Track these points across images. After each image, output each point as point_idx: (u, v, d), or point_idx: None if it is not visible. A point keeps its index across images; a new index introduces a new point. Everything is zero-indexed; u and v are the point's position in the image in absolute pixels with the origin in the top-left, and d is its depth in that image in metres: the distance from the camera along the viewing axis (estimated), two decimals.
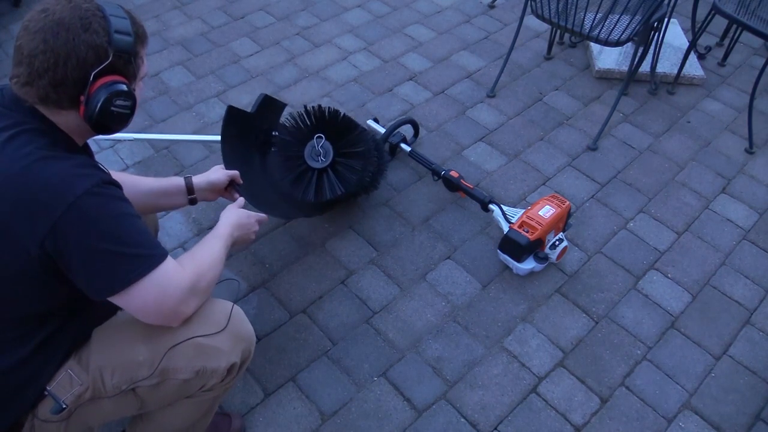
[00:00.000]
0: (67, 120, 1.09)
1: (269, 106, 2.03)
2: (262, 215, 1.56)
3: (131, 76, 1.12)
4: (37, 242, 1.00)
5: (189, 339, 1.18)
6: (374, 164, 2.07)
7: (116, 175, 1.42)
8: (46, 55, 1.01)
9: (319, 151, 1.77)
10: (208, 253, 1.27)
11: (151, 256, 1.09)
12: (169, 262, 1.12)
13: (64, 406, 1.14)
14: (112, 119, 1.08)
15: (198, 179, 1.62)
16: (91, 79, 1.04)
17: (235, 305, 1.28)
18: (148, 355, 1.17)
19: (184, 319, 1.18)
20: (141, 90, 1.19)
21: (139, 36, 1.12)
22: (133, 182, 1.48)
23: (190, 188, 1.61)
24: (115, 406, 1.22)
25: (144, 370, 1.17)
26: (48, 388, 1.15)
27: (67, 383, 1.15)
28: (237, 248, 1.51)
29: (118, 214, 1.07)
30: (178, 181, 1.59)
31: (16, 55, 1.03)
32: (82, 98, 1.05)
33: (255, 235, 1.51)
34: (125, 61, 1.09)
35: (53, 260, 1.03)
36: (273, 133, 2.04)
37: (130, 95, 1.09)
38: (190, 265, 1.19)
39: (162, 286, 1.11)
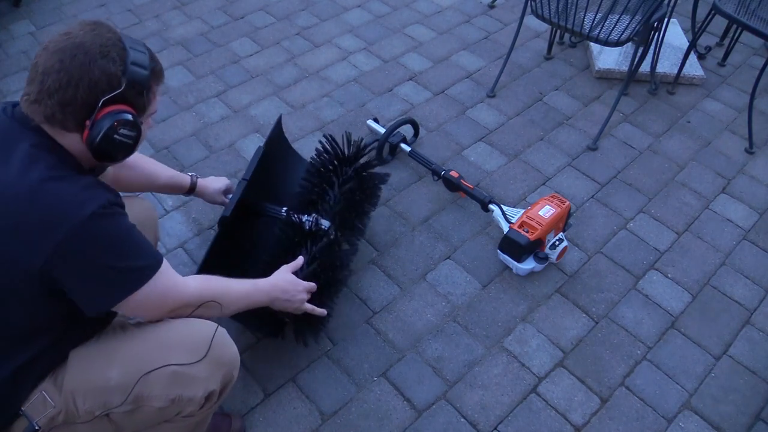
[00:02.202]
0: (71, 143, 1.09)
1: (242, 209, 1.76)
2: (311, 284, 1.53)
3: (140, 109, 1.13)
4: (40, 261, 1.01)
5: (164, 366, 1.14)
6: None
7: (137, 157, 1.57)
8: (60, 74, 1.03)
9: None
10: (234, 289, 1.32)
11: (149, 266, 1.13)
12: (166, 270, 1.16)
13: (37, 428, 1.12)
14: (114, 147, 1.08)
15: (202, 183, 1.83)
16: (99, 104, 1.05)
17: (219, 327, 1.24)
18: (120, 380, 1.14)
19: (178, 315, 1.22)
20: (148, 126, 1.21)
21: (155, 72, 1.14)
22: (151, 170, 1.67)
23: (192, 187, 1.81)
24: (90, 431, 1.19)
25: (117, 396, 1.14)
26: (22, 408, 1.12)
27: (41, 405, 1.13)
28: (282, 308, 1.48)
29: (121, 232, 1.10)
30: (185, 180, 1.79)
31: (31, 73, 1.05)
32: (88, 122, 1.06)
33: (301, 303, 1.50)
34: (137, 92, 1.10)
35: (54, 279, 1.03)
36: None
37: (135, 126, 1.10)
38: (199, 285, 1.25)
39: (159, 293, 1.15)
